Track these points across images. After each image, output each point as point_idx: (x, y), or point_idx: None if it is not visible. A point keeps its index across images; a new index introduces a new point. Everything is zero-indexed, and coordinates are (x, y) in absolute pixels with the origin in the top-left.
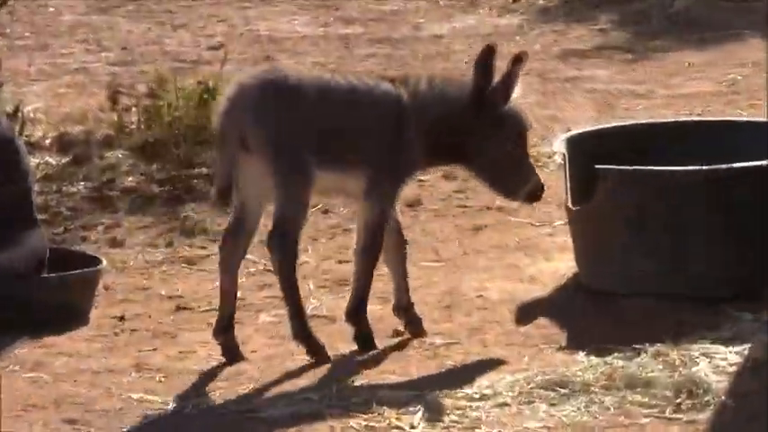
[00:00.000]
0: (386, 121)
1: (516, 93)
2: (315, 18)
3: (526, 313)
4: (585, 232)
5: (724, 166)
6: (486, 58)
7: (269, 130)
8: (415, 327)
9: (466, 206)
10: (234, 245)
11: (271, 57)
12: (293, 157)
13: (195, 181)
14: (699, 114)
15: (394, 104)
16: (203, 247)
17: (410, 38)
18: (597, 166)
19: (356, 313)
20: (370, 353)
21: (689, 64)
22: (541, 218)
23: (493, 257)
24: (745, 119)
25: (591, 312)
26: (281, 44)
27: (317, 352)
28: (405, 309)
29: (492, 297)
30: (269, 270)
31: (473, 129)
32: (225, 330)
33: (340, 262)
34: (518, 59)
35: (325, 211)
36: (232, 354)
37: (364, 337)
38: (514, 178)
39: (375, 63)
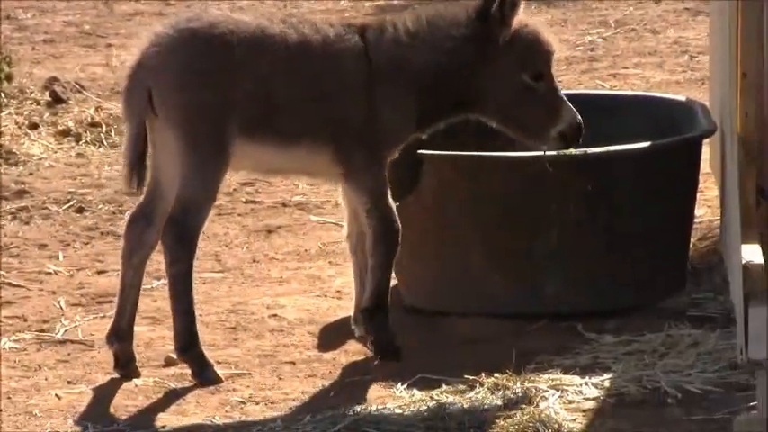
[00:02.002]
0: (350, 81)
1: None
2: None
3: (332, 336)
4: (406, 235)
5: (573, 151)
6: None
7: (177, 88)
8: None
9: (255, 202)
10: (142, 231)
11: (11, 16)
12: (205, 126)
13: None
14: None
15: (360, 60)
16: None
17: None
18: (420, 152)
19: (373, 312)
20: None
21: None
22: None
23: (289, 266)
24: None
25: (413, 335)
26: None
27: (205, 374)
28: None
29: (288, 316)
30: (8, 283)
31: (478, 64)
32: (122, 338)
33: (99, 273)
34: None
35: (79, 210)
36: (127, 368)
37: (384, 345)
38: (539, 115)
39: (142, 23)
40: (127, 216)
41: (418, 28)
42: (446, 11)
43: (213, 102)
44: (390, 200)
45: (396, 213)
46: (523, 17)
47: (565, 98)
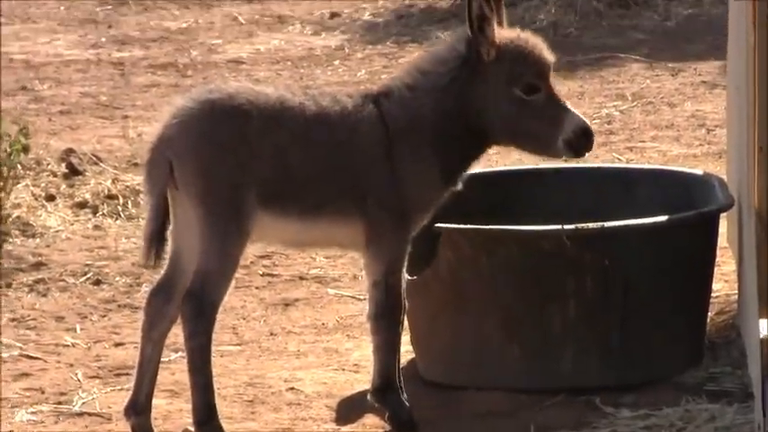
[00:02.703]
0: (370, 149)
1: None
2: (82, 38)
3: (350, 409)
4: (423, 308)
5: (591, 225)
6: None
7: (196, 160)
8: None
9: (273, 275)
10: (162, 305)
11: (28, 87)
12: (224, 199)
13: None
14: (564, 160)
15: (378, 127)
16: None
17: (202, 63)
18: (437, 225)
19: (384, 392)
20: None
21: None
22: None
23: (307, 339)
24: (621, 166)
25: (430, 409)
26: (41, 71)
27: None
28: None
29: (306, 389)
30: (26, 356)
31: (474, 90)
32: (140, 411)
33: (116, 345)
34: None
35: (97, 282)
36: None
37: (400, 421)
38: (542, 127)
39: (158, 95)
40: (147, 290)
41: (414, 78)
42: (430, 52)
43: (232, 173)
44: (402, 275)
45: (404, 290)
46: (511, 33)
47: (569, 106)
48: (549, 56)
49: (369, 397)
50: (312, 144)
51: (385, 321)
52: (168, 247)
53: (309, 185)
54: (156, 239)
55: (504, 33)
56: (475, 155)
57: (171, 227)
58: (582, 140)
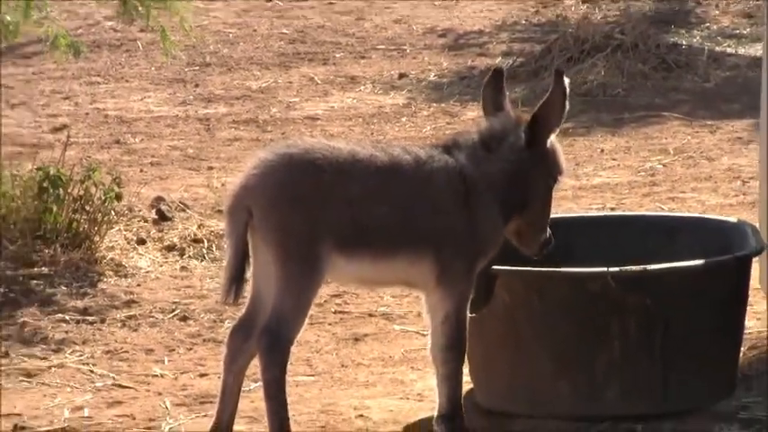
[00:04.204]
0: (447, 196)
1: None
2: (171, 96)
3: None
4: (482, 343)
5: (634, 268)
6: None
7: (273, 209)
8: None
9: (344, 312)
10: (242, 341)
11: (121, 140)
12: (300, 245)
13: (34, 282)
14: (612, 209)
15: (454, 175)
16: (44, 358)
17: (281, 119)
18: (494, 267)
19: (451, 418)
20: None
21: (602, 150)
22: (429, 326)
23: (375, 371)
24: (658, 214)
25: None
26: (133, 126)
27: None
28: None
29: (374, 416)
30: (119, 385)
31: (528, 170)
32: None
33: (201, 375)
34: (559, 73)
35: (184, 318)
36: None
37: None
38: (543, 222)
39: (240, 148)
40: (229, 326)
41: (490, 143)
42: (503, 124)
43: (306, 222)
44: (467, 311)
45: (467, 325)
46: None
47: None
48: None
49: (435, 422)
50: (385, 194)
51: (453, 353)
52: (248, 288)
53: (383, 232)
54: (236, 280)
55: None
56: (512, 221)
57: (251, 269)
58: (550, 242)
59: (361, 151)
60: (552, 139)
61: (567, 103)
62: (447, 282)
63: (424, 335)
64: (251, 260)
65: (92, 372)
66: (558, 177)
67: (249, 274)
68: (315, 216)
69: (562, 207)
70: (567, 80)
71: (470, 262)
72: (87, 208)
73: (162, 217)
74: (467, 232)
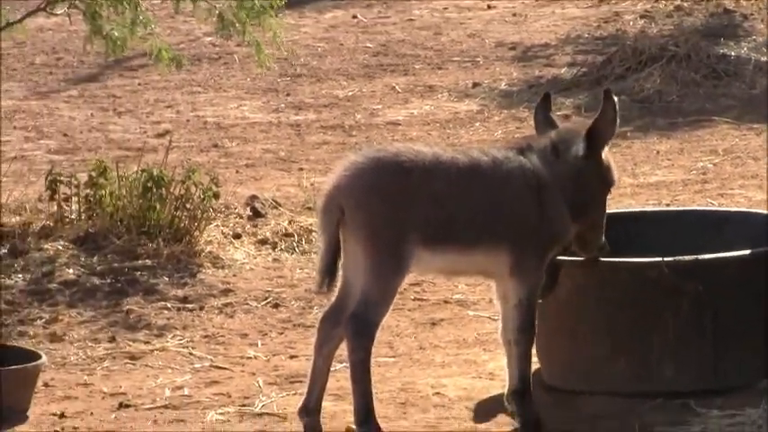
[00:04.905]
0: (523, 193)
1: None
2: (265, 104)
3: (485, 411)
4: (547, 326)
5: (687, 257)
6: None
7: (364, 208)
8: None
9: (422, 299)
10: (331, 327)
11: (219, 144)
12: (388, 240)
13: (138, 273)
14: (667, 204)
15: (530, 175)
16: (147, 342)
17: (365, 124)
18: (559, 257)
19: (521, 394)
20: None
21: (658, 151)
22: (500, 311)
23: (450, 352)
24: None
25: (552, 410)
26: (230, 131)
27: None
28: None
29: (449, 394)
30: (216, 366)
31: (588, 178)
32: (311, 412)
33: (291, 357)
34: (608, 92)
35: (275, 305)
36: None
37: (530, 420)
38: (600, 230)
39: (328, 151)
40: (319, 312)
41: (560, 148)
42: (569, 135)
43: (393, 219)
44: (537, 297)
45: (536, 310)
46: None
47: None
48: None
49: (507, 399)
50: (466, 192)
51: (525, 335)
52: (339, 279)
53: (464, 227)
54: (329, 271)
55: None
56: (575, 219)
57: (342, 261)
58: (606, 248)
59: (443, 154)
60: (606, 152)
61: (618, 117)
62: (520, 271)
63: (495, 320)
64: (342, 253)
65: (191, 354)
66: (611, 186)
67: (340, 266)
68: (402, 214)
69: (622, 203)
70: (615, 98)
71: (541, 254)
72: (188, 206)
73: (256, 214)
74: (539, 228)
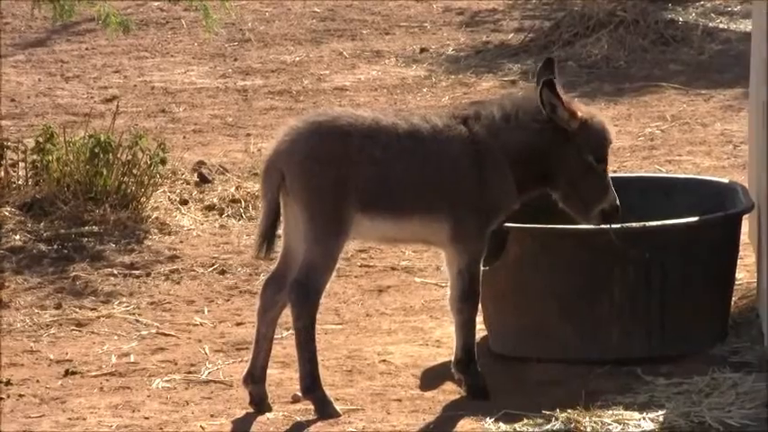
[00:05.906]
0: (461, 162)
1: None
2: (212, 69)
3: (432, 378)
4: (494, 294)
5: (634, 224)
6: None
7: (303, 172)
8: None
9: (369, 266)
10: (274, 293)
11: (166, 110)
12: (327, 205)
13: (86, 239)
14: (614, 171)
15: (468, 143)
16: (93, 309)
17: (312, 90)
18: (506, 225)
19: (466, 364)
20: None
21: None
22: (448, 278)
23: (397, 320)
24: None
25: (500, 377)
26: (177, 96)
27: (326, 410)
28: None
29: (396, 361)
30: (162, 333)
31: (554, 144)
32: (256, 380)
33: (237, 324)
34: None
35: (222, 272)
36: (261, 404)
37: (476, 387)
38: (593, 193)
39: (275, 117)
40: (263, 279)
41: (510, 113)
42: (527, 100)
43: (333, 183)
44: (480, 266)
45: (480, 278)
46: (592, 110)
47: (610, 182)
48: (614, 137)
49: (452, 367)
50: (405, 158)
51: (467, 304)
52: (280, 244)
53: (403, 193)
54: (267, 236)
55: (584, 108)
56: (533, 190)
57: (282, 226)
58: (614, 213)
59: (383, 119)
60: (597, 119)
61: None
62: (460, 239)
63: (442, 286)
64: (282, 219)
65: (137, 321)
66: (598, 156)
67: (281, 231)
68: (341, 178)
69: None
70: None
71: (482, 223)
72: (135, 171)
73: (203, 179)
74: (479, 196)
